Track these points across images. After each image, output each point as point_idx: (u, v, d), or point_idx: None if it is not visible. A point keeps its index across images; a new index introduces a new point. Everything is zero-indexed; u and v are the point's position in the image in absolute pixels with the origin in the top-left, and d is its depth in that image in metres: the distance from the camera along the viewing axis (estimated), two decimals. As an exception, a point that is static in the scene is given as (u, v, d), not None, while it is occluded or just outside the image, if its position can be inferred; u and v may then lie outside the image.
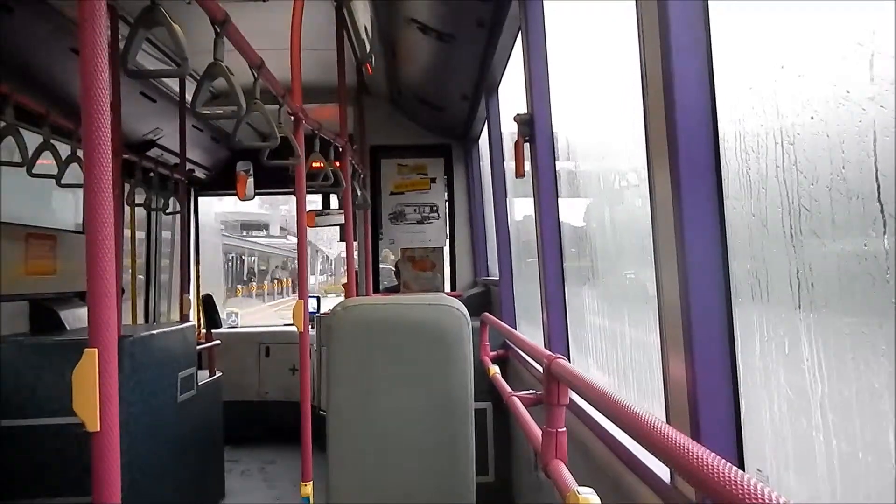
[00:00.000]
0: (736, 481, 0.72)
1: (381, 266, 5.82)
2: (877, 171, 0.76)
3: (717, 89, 1.17)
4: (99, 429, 1.16)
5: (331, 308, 2.40)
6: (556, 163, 2.43)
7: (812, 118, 0.90)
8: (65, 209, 4.56)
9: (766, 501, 0.66)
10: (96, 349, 1.14)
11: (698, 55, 1.18)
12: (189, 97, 3.49)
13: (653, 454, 1.01)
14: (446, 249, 5.62)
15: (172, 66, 3.82)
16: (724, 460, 0.78)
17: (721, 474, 0.75)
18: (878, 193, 0.76)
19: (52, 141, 3.30)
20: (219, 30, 1.99)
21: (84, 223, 1.22)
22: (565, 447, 1.61)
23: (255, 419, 5.96)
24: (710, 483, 0.76)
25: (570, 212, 2.42)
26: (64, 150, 3.46)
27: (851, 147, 0.81)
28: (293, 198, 3.26)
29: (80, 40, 1.15)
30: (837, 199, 0.86)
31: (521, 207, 3.54)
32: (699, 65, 1.18)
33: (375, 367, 2.15)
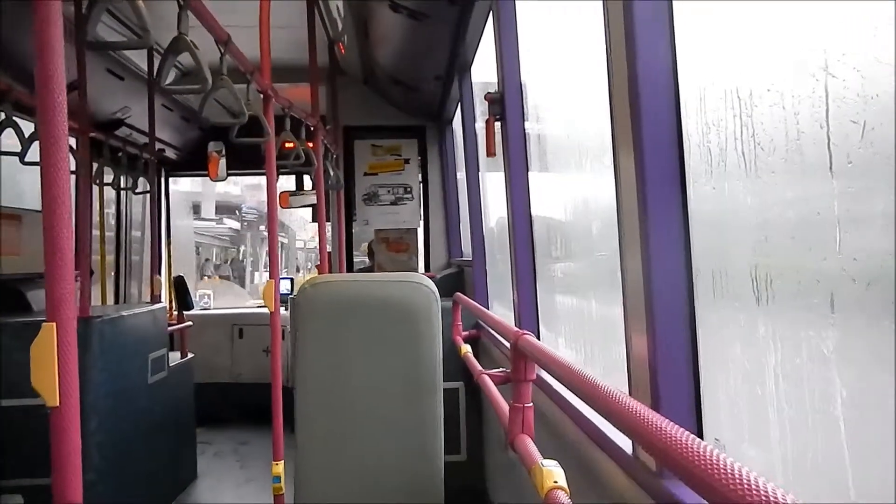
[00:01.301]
0: (693, 449, 0.73)
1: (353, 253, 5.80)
2: (829, 140, 0.77)
3: (679, 66, 1.18)
4: (58, 404, 1.15)
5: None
6: (527, 140, 2.44)
7: (768, 90, 0.91)
8: (33, 190, 4.48)
9: (721, 468, 0.67)
10: (54, 323, 1.13)
11: (662, 35, 1.18)
12: (157, 75, 3.44)
13: (615, 426, 1.02)
14: (420, 230, 5.62)
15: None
16: (682, 429, 0.80)
17: (679, 443, 0.77)
18: (830, 164, 0.77)
19: (13, 118, 3.23)
20: (182, 3, 1.96)
21: (41, 199, 1.20)
22: (531, 422, 1.63)
23: (229, 401, 5.94)
24: (669, 452, 0.78)
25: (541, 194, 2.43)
26: (28, 127, 3.40)
27: (805, 118, 0.82)
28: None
29: (34, 13, 1.13)
30: (793, 171, 0.87)
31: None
32: (663, 43, 1.19)
33: (344, 345, 2.14)
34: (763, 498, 0.59)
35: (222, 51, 2.34)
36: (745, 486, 0.62)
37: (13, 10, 3.21)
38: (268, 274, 3.09)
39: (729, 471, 0.65)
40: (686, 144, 1.16)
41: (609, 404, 1.02)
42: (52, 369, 1.15)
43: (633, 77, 1.18)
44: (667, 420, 0.84)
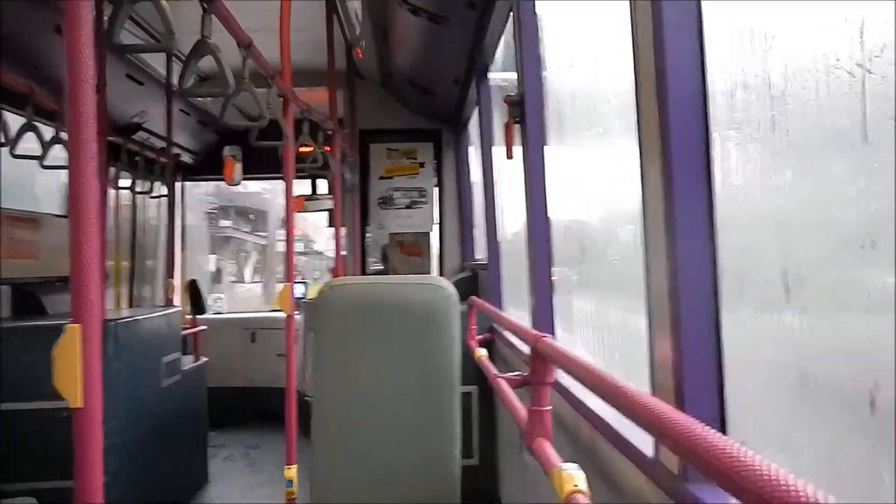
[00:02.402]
0: (720, 446, 0.72)
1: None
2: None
3: (707, 68, 1.17)
4: (82, 405, 1.15)
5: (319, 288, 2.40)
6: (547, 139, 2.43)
7: (803, 88, 0.90)
8: (52, 194, 4.52)
9: (749, 465, 0.66)
10: (79, 325, 1.13)
11: (691, 37, 1.18)
12: (176, 80, 3.46)
13: (638, 424, 1.01)
14: (435, 234, 5.61)
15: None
16: (708, 427, 0.78)
17: (704, 440, 0.75)
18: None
19: (34, 122, 3.26)
20: (206, 6, 1.97)
21: (68, 203, 1.21)
22: (550, 426, 1.61)
23: (241, 405, 5.95)
24: (694, 449, 0.77)
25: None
26: (47, 132, 3.43)
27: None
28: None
29: (64, 18, 1.14)
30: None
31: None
32: (691, 46, 1.18)
33: (362, 347, 2.14)
34: (803, 500, 0.57)
35: (245, 55, 2.35)
36: (784, 487, 0.60)
37: (35, 15, 3.24)
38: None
39: (765, 471, 0.64)
40: (715, 144, 1.15)
41: (634, 405, 1.01)
42: (76, 371, 1.14)
43: (661, 77, 1.17)
44: (694, 420, 0.83)
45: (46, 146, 3.36)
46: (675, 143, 1.17)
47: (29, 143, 3.38)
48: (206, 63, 2.12)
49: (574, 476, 1.30)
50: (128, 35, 3.62)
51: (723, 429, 1.16)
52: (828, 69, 0.85)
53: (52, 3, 3.17)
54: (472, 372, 3.36)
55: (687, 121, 1.17)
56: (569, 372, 1.42)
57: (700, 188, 1.16)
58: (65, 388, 1.14)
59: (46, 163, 3.38)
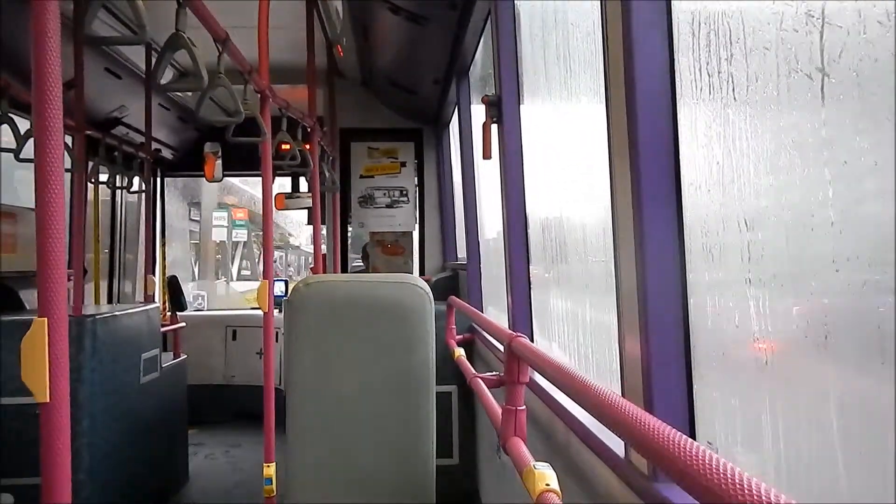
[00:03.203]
0: (687, 450, 0.73)
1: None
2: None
3: (676, 71, 1.18)
4: (48, 400, 1.14)
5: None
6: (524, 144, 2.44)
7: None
8: (29, 188, 4.47)
9: (716, 469, 0.67)
10: (45, 318, 1.13)
11: (660, 36, 1.19)
12: (155, 74, 3.44)
13: (608, 427, 1.02)
14: (416, 234, 5.62)
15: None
16: (676, 431, 0.79)
17: (673, 444, 0.76)
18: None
19: (9, 114, 3.22)
20: (181, 1, 1.96)
21: (35, 194, 1.20)
22: (524, 425, 1.62)
23: (221, 403, 5.92)
24: (661, 452, 0.77)
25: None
26: (24, 124, 3.38)
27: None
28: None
29: (31, 8, 1.13)
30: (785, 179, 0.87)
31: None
32: (661, 44, 1.19)
33: (336, 344, 2.14)
34: (758, 499, 0.59)
35: (220, 50, 2.34)
36: (741, 487, 0.61)
37: (11, 5, 3.20)
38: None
39: (723, 473, 0.65)
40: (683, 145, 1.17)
41: (602, 406, 1.01)
42: (43, 365, 1.14)
43: (630, 78, 1.18)
44: (660, 421, 0.84)
45: (22, 139, 3.32)
46: (644, 144, 1.18)
47: (6, 137, 3.34)
48: (186, 59, 2.11)
49: (546, 475, 1.31)
50: (106, 28, 3.60)
51: (692, 429, 1.18)
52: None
53: None
54: (452, 372, 3.37)
55: (656, 122, 1.18)
56: (541, 372, 1.43)
57: (668, 190, 1.17)
58: (32, 383, 1.13)
59: (22, 156, 3.33)
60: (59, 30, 1.14)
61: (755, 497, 0.59)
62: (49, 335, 1.14)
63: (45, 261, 1.13)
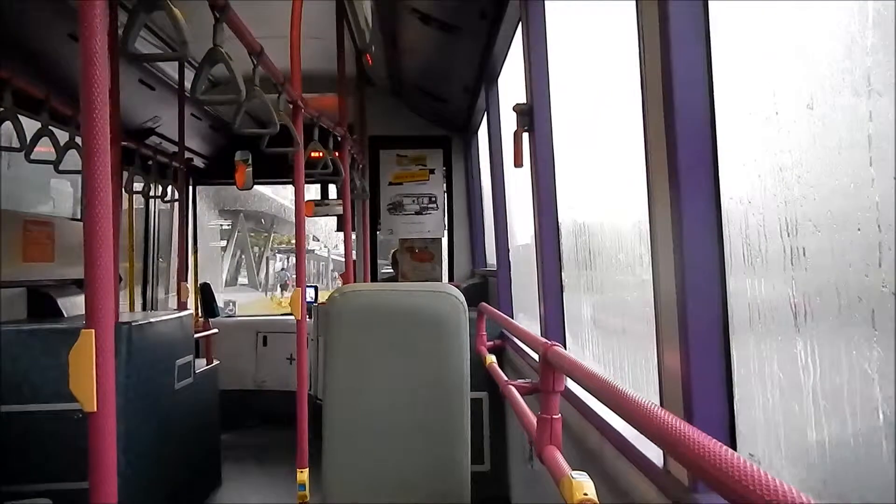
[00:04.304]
0: (729, 461, 0.72)
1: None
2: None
3: (714, 78, 1.18)
4: (95, 409, 1.17)
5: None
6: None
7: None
8: (66, 198, 4.57)
9: (758, 480, 0.66)
10: (93, 330, 1.15)
11: (698, 49, 1.18)
12: (189, 85, 3.49)
13: (647, 437, 1.02)
14: (444, 240, 5.63)
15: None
16: (716, 441, 0.79)
17: (714, 455, 0.76)
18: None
19: (49, 127, 3.29)
20: (218, 15, 1.99)
21: (82, 208, 1.23)
22: (560, 434, 1.62)
23: (252, 408, 5.98)
24: (702, 464, 0.77)
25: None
26: (62, 136, 3.46)
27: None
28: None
29: (79, 26, 1.16)
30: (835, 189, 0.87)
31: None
32: (698, 57, 1.18)
33: (372, 353, 2.15)
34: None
35: (255, 62, 2.37)
36: (789, 501, 0.61)
37: (50, 22, 3.28)
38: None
39: (767, 484, 0.65)
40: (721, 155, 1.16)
41: (642, 416, 1.01)
42: (90, 375, 1.16)
43: (668, 82, 1.18)
44: (702, 432, 0.84)
45: (61, 151, 3.40)
46: (682, 154, 1.17)
47: (43, 148, 3.42)
48: (218, 69, 2.15)
49: (584, 484, 1.31)
50: (142, 42, 3.66)
51: (732, 441, 1.17)
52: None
53: (67, 10, 3.21)
54: (483, 379, 3.37)
55: (694, 130, 1.18)
56: (578, 381, 1.43)
57: (708, 199, 1.17)
58: (79, 392, 1.16)
59: (61, 168, 3.41)
60: (106, 46, 1.17)
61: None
62: (96, 345, 1.17)
63: (93, 272, 1.16)
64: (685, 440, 0.84)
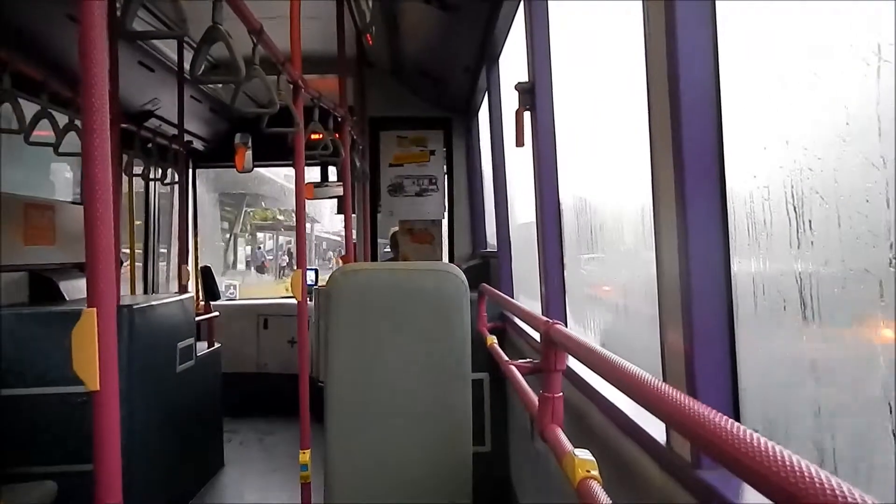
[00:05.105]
0: (734, 434, 0.72)
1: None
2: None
3: (720, 59, 1.17)
4: (98, 388, 1.17)
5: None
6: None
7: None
8: (66, 181, 4.56)
9: (762, 451, 0.66)
10: (95, 308, 1.15)
11: (703, 23, 1.17)
12: (188, 66, 3.47)
13: (650, 412, 1.01)
14: (445, 222, 5.62)
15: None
16: (721, 414, 0.79)
17: (718, 427, 0.75)
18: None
19: (49, 109, 3.28)
20: None
21: (82, 190, 1.22)
22: (561, 412, 1.62)
23: (254, 391, 6.00)
24: (707, 436, 0.77)
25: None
26: (61, 119, 3.45)
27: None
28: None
29: (78, 6, 1.15)
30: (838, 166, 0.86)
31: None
32: (705, 42, 1.17)
33: (374, 332, 2.15)
34: (819, 486, 0.58)
35: (255, 41, 2.35)
36: (797, 472, 0.60)
37: (49, 3, 3.25)
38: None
39: (778, 458, 0.64)
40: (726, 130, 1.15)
41: (646, 391, 1.01)
42: (93, 354, 1.16)
43: (674, 75, 1.17)
44: (706, 406, 0.83)
45: (61, 133, 3.38)
46: (687, 127, 1.16)
47: (43, 130, 3.40)
48: (218, 50, 2.13)
49: (587, 462, 1.31)
50: (140, 22, 3.64)
51: (736, 417, 1.17)
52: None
53: None
54: (484, 359, 3.38)
55: (699, 108, 1.17)
56: (580, 359, 1.43)
57: (712, 174, 1.16)
58: (82, 372, 1.16)
59: (61, 150, 3.40)
60: (105, 27, 1.16)
61: (815, 483, 0.59)
62: (98, 325, 1.17)
63: (94, 252, 1.16)
64: (690, 414, 0.84)
